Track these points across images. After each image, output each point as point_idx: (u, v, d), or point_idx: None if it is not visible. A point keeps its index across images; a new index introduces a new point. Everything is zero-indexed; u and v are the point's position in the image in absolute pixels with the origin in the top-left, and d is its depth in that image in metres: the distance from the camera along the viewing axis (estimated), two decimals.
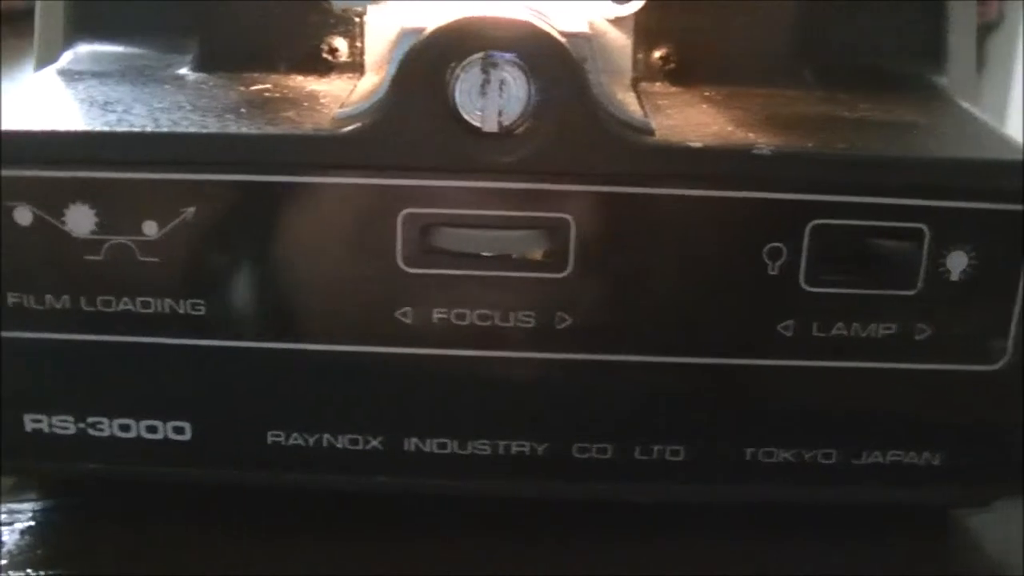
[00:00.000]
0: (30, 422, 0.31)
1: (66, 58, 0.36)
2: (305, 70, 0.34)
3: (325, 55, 0.35)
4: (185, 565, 0.31)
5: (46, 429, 0.31)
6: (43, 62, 0.37)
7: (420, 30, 0.28)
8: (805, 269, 0.29)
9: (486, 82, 0.27)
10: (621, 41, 0.33)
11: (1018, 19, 1.88)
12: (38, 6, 0.37)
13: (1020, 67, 1.87)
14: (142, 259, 0.29)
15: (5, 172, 0.28)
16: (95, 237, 0.29)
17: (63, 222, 0.29)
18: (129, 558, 0.32)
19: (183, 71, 0.35)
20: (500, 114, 0.27)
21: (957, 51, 0.36)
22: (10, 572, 0.30)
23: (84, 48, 0.36)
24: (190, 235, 0.29)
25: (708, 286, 0.29)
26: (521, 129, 0.28)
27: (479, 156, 0.28)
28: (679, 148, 0.28)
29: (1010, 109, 1.90)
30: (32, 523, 0.33)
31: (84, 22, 0.37)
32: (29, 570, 0.31)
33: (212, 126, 0.29)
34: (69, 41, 0.37)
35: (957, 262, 0.29)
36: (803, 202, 0.29)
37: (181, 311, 0.30)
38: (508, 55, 0.27)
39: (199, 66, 0.35)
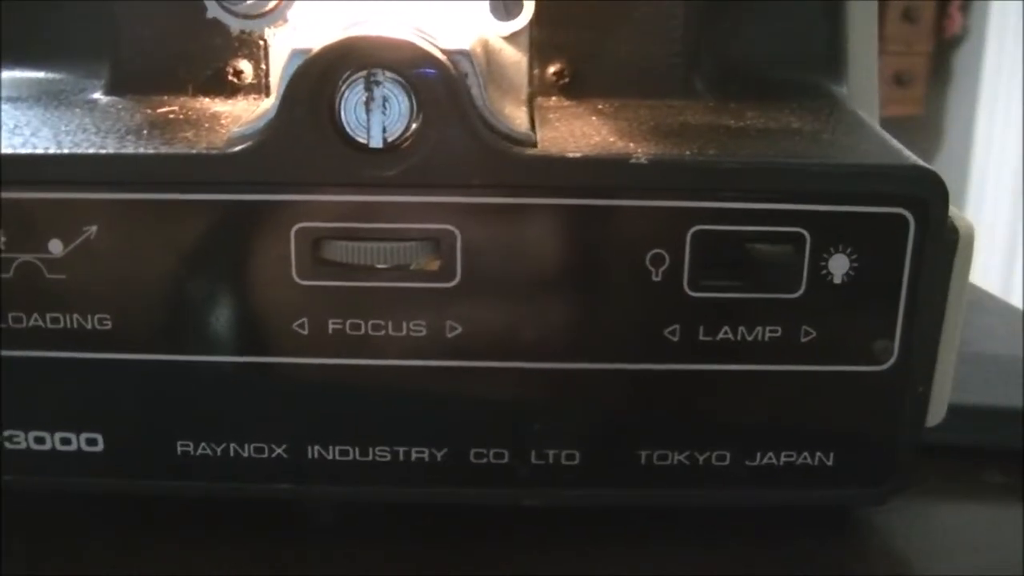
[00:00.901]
0: None
1: None
2: (212, 92, 0.35)
3: (231, 77, 0.35)
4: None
5: None
6: None
7: (308, 50, 0.29)
8: (688, 275, 0.30)
9: (370, 99, 0.28)
10: (516, 57, 0.33)
11: (983, 32, 1.89)
12: None
13: (985, 79, 1.89)
14: (49, 276, 0.30)
15: None
16: (3, 256, 0.30)
17: None
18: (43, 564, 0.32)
19: (96, 95, 0.35)
20: (384, 130, 0.28)
21: (856, 60, 0.37)
22: None
23: (6, 74, 0.37)
24: (94, 252, 0.30)
25: (594, 293, 0.30)
26: (405, 144, 0.28)
27: (365, 171, 0.29)
28: (557, 159, 0.29)
29: (977, 121, 1.91)
30: None
31: (6, 49, 0.38)
32: None
33: (110, 147, 0.30)
34: None
35: (839, 265, 0.30)
36: (682, 209, 0.29)
37: (88, 326, 0.30)
38: (390, 73, 0.28)
39: (111, 90, 0.36)
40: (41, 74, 0.37)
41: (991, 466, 0.37)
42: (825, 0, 0.37)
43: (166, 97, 0.35)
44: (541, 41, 0.34)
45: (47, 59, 0.38)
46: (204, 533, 0.33)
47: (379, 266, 0.30)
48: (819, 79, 0.37)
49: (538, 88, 0.35)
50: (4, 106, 0.34)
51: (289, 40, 0.33)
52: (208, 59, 0.35)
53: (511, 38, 0.33)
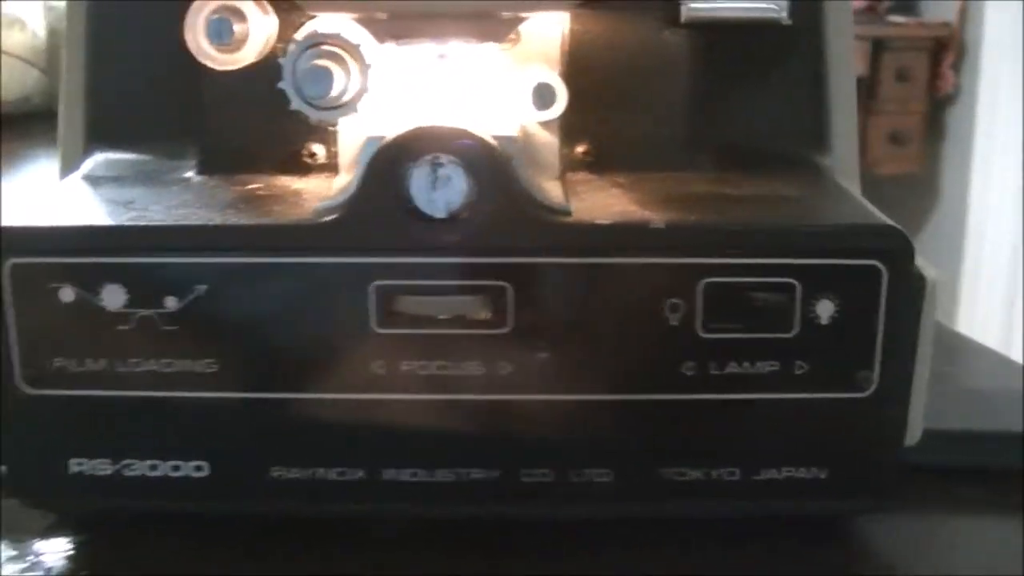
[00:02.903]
0: (74, 465, 0.37)
1: (87, 165, 0.42)
2: (289, 171, 0.41)
3: (306, 158, 0.41)
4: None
5: (87, 471, 0.37)
6: (67, 168, 0.43)
7: (381, 138, 0.35)
8: (701, 319, 0.35)
9: (434, 179, 0.34)
10: (548, 140, 0.40)
11: (975, 91, 1.95)
12: (60, 120, 0.44)
13: (979, 136, 1.95)
14: (164, 328, 0.36)
15: (52, 260, 0.35)
16: (125, 310, 0.35)
17: (99, 299, 0.35)
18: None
19: (187, 174, 0.41)
20: (447, 204, 0.34)
21: (839, 134, 0.43)
22: None
23: (101, 156, 0.43)
24: (203, 307, 0.35)
25: (621, 336, 0.36)
26: (463, 215, 0.34)
27: (431, 238, 0.35)
28: (588, 225, 0.35)
29: (972, 177, 1.96)
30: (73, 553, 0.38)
31: (100, 133, 0.43)
32: None
33: (217, 219, 0.36)
34: (88, 150, 0.43)
35: (825, 309, 0.36)
36: (695, 265, 0.35)
37: (197, 370, 0.36)
38: (451, 157, 0.34)
39: (201, 169, 0.41)
40: (131, 155, 0.43)
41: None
42: (810, 84, 0.43)
43: (249, 176, 0.41)
44: (571, 126, 0.40)
45: (135, 142, 0.43)
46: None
47: (443, 316, 0.35)
48: (806, 152, 0.43)
49: (567, 165, 0.41)
50: (111, 184, 0.40)
51: (357, 127, 0.39)
52: (285, 142, 0.41)
53: (544, 124, 0.39)
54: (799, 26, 0.42)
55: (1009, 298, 1.92)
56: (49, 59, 1.15)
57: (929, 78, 1.96)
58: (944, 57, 1.96)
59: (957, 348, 0.60)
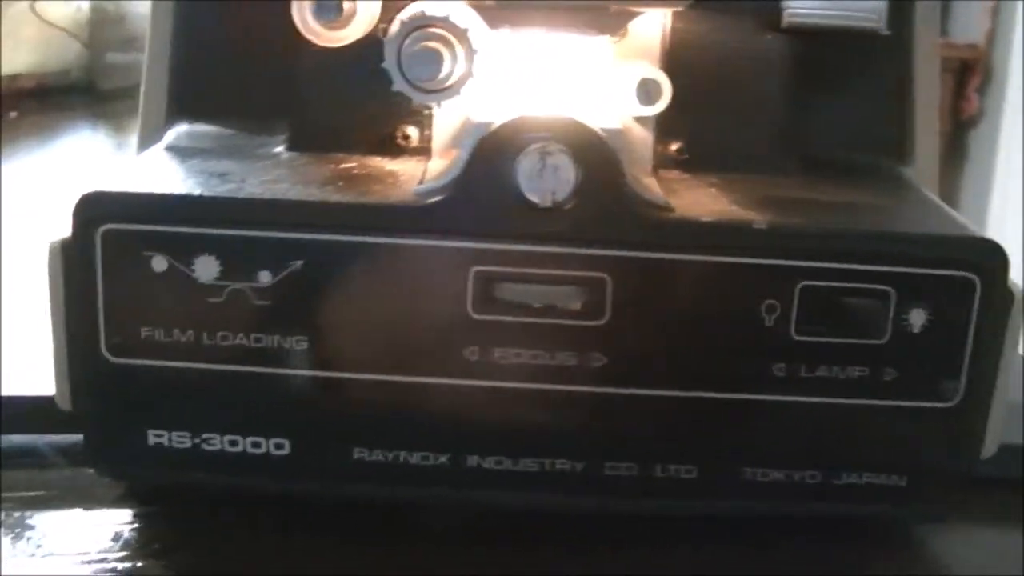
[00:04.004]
0: (153, 437, 0.37)
1: (170, 136, 0.42)
2: (380, 152, 0.41)
3: (399, 141, 0.41)
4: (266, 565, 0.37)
5: (166, 443, 0.37)
6: (147, 141, 0.43)
7: (486, 124, 0.35)
8: (795, 322, 0.36)
9: (542, 167, 0.34)
10: (644, 135, 0.40)
11: (999, 115, 1.96)
12: (143, 91, 0.44)
13: (1000, 160, 1.95)
14: (256, 302, 0.36)
15: (147, 228, 0.35)
16: (218, 283, 0.35)
17: (192, 270, 0.35)
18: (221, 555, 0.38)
19: (276, 150, 0.41)
20: (553, 193, 0.34)
21: (921, 146, 0.43)
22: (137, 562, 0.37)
23: (184, 128, 0.43)
24: (297, 284, 0.35)
25: (716, 334, 0.36)
26: (569, 205, 0.34)
27: (536, 226, 0.35)
28: (693, 222, 0.35)
29: (992, 199, 1.97)
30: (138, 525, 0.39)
31: (183, 105, 0.43)
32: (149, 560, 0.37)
33: (316, 195, 0.36)
34: (170, 121, 0.43)
35: (917, 317, 0.36)
36: (793, 267, 0.35)
37: (287, 346, 0.36)
38: (560, 146, 0.34)
39: (292, 146, 0.41)
40: (215, 129, 0.43)
41: None
42: (897, 93, 0.43)
43: (341, 155, 0.41)
44: (665, 124, 0.41)
45: (219, 115, 0.43)
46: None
47: (539, 305, 0.35)
48: (890, 161, 0.43)
49: (659, 162, 0.41)
50: (199, 156, 0.40)
51: (454, 112, 0.39)
52: (378, 123, 0.41)
53: (640, 120, 0.40)
54: (891, 36, 0.42)
55: None
56: (92, 33, 1.14)
57: (953, 100, 1.97)
58: (969, 79, 1.96)
59: None
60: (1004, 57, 1.95)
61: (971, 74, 1.96)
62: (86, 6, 1.17)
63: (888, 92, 0.43)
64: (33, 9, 1.06)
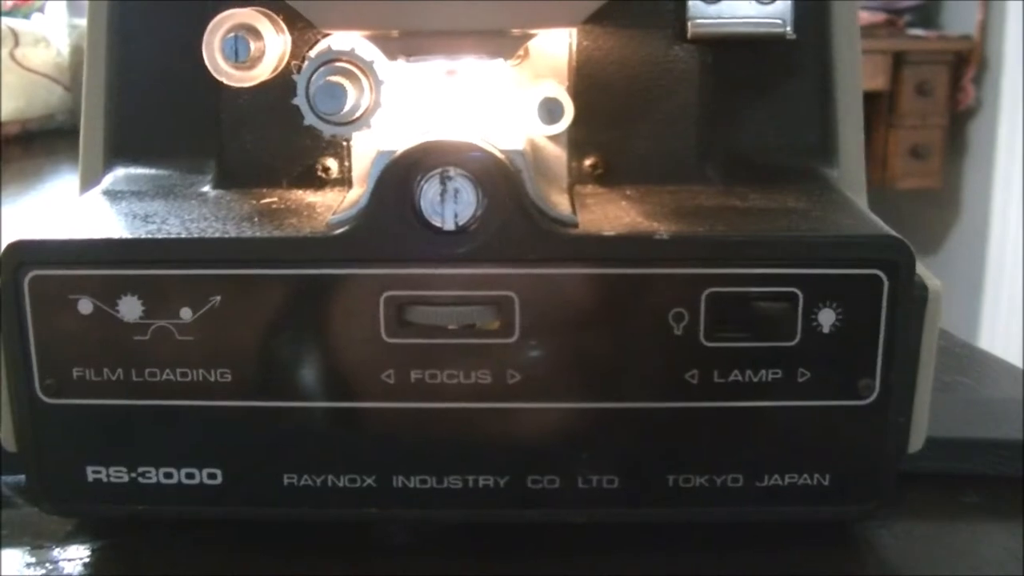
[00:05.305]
0: (91, 473, 0.38)
1: (107, 180, 0.44)
2: (303, 185, 0.42)
3: (320, 173, 0.42)
4: None
5: (104, 479, 0.38)
6: (87, 183, 0.44)
7: (391, 152, 0.36)
8: (704, 328, 0.36)
9: (444, 192, 0.35)
10: (557, 153, 0.40)
11: (996, 105, 1.95)
12: (81, 136, 0.45)
13: (1000, 150, 1.95)
14: (180, 338, 0.36)
15: (71, 272, 0.36)
16: (142, 322, 0.36)
17: (117, 311, 0.36)
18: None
19: (205, 189, 0.42)
20: (455, 216, 0.35)
21: (846, 146, 0.44)
22: None
23: (121, 171, 0.44)
24: (217, 318, 0.36)
25: (626, 345, 0.36)
26: (472, 227, 0.35)
27: (441, 249, 0.35)
28: (595, 237, 0.36)
29: (993, 190, 1.96)
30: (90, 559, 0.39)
31: (120, 148, 0.44)
32: None
33: (232, 232, 0.37)
34: (108, 166, 0.44)
35: (827, 317, 0.36)
36: (698, 275, 0.36)
37: (212, 379, 0.37)
38: (460, 170, 0.35)
39: (218, 184, 0.42)
40: (151, 171, 0.44)
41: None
42: (817, 97, 0.44)
43: (265, 190, 0.42)
44: (579, 140, 0.41)
45: (154, 157, 0.44)
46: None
47: (451, 326, 0.36)
48: (813, 164, 0.43)
49: (576, 178, 0.42)
50: (131, 199, 0.41)
51: (370, 142, 0.40)
52: (300, 157, 0.42)
53: (553, 138, 0.40)
54: (805, 40, 0.43)
55: None
56: (73, 77, 1.17)
57: (949, 92, 1.96)
58: (965, 71, 1.96)
59: (970, 358, 0.60)
60: (998, 46, 1.94)
61: (966, 66, 1.96)
62: (66, 51, 1.19)
63: (808, 95, 0.44)
64: (13, 57, 1.08)
